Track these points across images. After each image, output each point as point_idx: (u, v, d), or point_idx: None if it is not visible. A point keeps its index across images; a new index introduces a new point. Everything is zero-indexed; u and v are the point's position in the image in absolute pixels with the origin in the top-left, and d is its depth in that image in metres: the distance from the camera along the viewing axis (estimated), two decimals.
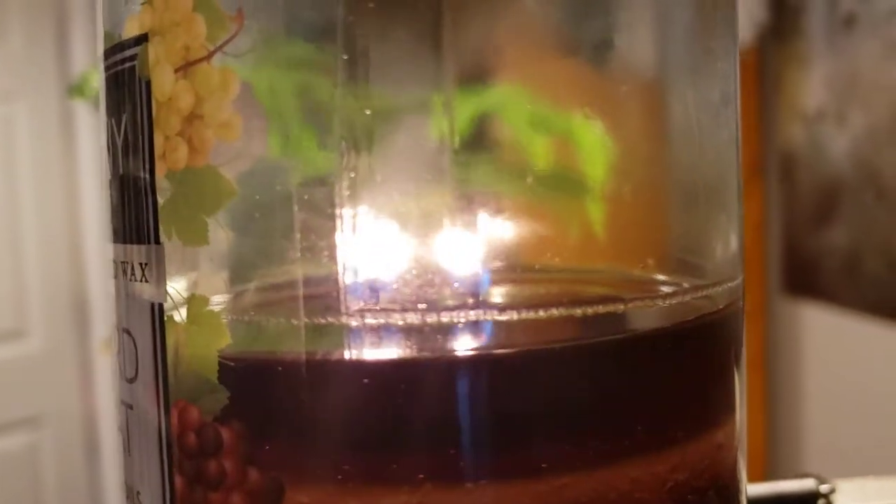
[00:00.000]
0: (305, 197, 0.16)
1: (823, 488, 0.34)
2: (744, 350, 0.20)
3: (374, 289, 0.16)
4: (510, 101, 0.18)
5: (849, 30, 1.12)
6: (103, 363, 1.70)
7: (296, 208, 0.15)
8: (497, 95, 0.18)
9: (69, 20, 1.66)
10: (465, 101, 0.17)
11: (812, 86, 1.19)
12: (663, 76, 0.20)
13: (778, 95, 1.24)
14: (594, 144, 0.18)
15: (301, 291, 0.16)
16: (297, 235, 0.15)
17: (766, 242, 1.26)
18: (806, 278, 1.21)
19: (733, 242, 0.20)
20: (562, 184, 0.18)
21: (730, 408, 0.19)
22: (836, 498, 0.34)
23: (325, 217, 0.16)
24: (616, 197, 0.19)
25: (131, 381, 0.18)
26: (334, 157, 0.15)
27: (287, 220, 0.16)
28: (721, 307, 0.18)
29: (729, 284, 0.19)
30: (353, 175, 0.15)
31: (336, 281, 0.16)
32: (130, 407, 0.18)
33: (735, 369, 0.19)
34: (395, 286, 0.16)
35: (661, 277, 0.20)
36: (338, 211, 0.16)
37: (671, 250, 0.20)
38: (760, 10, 1.22)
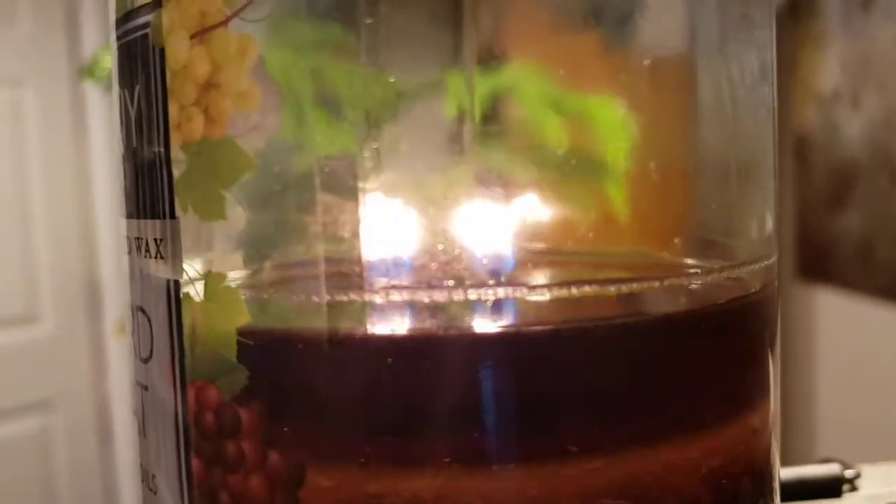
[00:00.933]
0: (326, 170, 0.15)
1: (848, 473, 0.33)
2: (778, 332, 0.19)
3: (397, 265, 0.15)
4: (533, 78, 0.17)
5: (865, 11, 1.11)
6: (115, 346, 1.70)
7: (317, 182, 0.15)
8: (519, 71, 0.17)
9: (79, 4, 1.65)
10: (487, 75, 0.16)
11: (827, 67, 1.17)
12: (693, 47, 0.19)
13: (793, 76, 1.23)
14: (619, 121, 0.18)
15: (322, 268, 0.15)
16: (318, 209, 0.15)
17: (780, 226, 1.25)
18: (819, 263, 1.20)
19: (769, 222, 0.19)
20: (586, 161, 0.18)
21: (764, 391, 0.18)
22: (861, 483, 0.34)
23: (346, 191, 0.15)
24: (645, 175, 0.18)
25: (146, 360, 0.17)
26: (356, 130, 0.15)
27: (308, 195, 0.15)
28: (757, 287, 0.18)
29: (765, 263, 0.18)
30: (375, 147, 0.15)
31: (358, 257, 0.15)
32: (145, 388, 0.17)
33: (770, 352, 0.18)
34: (419, 262, 0.15)
35: (692, 261, 0.19)
36: (360, 185, 0.15)
37: (703, 231, 0.20)
38: None
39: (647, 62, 0.18)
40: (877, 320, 1.08)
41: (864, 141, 1.11)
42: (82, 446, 1.73)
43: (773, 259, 0.19)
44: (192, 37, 0.15)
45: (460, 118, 0.16)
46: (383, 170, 0.15)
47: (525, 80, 0.17)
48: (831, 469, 0.33)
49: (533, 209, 0.17)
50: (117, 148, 0.18)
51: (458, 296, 0.15)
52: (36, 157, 1.63)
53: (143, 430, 0.18)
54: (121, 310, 1.68)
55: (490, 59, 0.16)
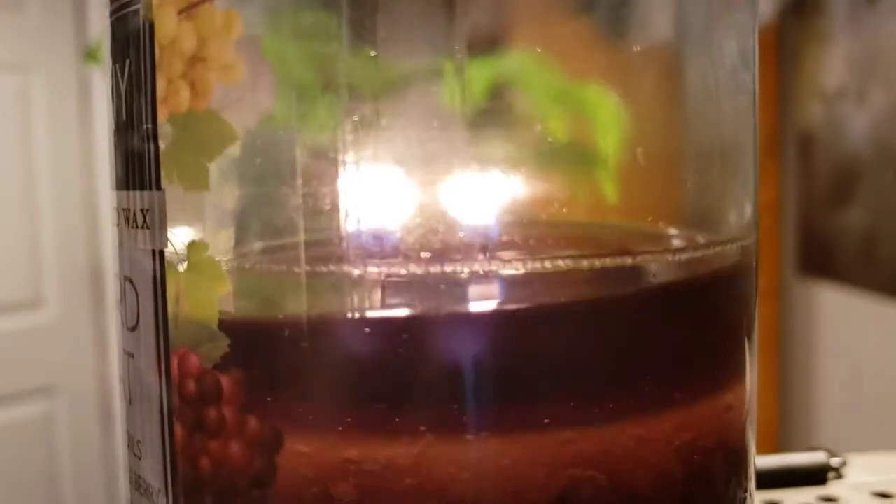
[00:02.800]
0: (308, 144, 0.15)
1: (834, 461, 0.34)
2: (755, 317, 0.19)
3: (376, 237, 0.16)
4: (521, 60, 0.17)
5: (871, 8, 1.10)
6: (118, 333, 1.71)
7: (298, 154, 0.15)
8: (509, 56, 0.17)
9: None
10: (475, 57, 0.17)
11: (832, 64, 1.17)
12: (680, 36, 0.20)
13: (797, 73, 1.23)
14: (606, 104, 0.18)
15: (302, 239, 0.15)
16: (299, 182, 0.15)
17: (782, 222, 1.25)
18: (821, 259, 1.20)
19: (748, 208, 0.19)
20: (573, 143, 0.18)
21: (739, 371, 0.18)
22: (846, 471, 0.34)
23: (327, 164, 0.15)
24: (628, 158, 0.18)
25: (133, 329, 0.18)
26: (338, 104, 0.15)
27: (289, 167, 0.16)
28: (731, 264, 0.18)
29: (741, 243, 0.18)
30: (356, 120, 0.15)
31: (338, 229, 0.15)
32: (132, 356, 0.18)
33: (745, 334, 0.19)
34: (398, 235, 0.16)
35: (671, 232, 0.19)
36: (340, 157, 0.15)
37: (684, 214, 0.20)
38: None
39: (636, 48, 0.19)
40: (879, 316, 1.08)
41: (868, 137, 1.11)
42: (85, 431, 1.74)
43: (751, 241, 0.19)
44: (179, 12, 0.16)
45: (447, 91, 0.16)
46: (365, 141, 0.15)
47: (515, 61, 0.17)
48: (817, 457, 0.33)
49: (517, 184, 0.17)
50: (109, 119, 0.19)
51: (435, 269, 0.15)
52: (42, 143, 1.64)
53: (129, 397, 0.18)
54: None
55: (480, 42, 0.17)
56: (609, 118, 0.18)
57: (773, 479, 0.32)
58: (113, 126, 0.18)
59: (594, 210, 0.18)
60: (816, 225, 1.21)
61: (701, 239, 0.19)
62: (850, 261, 1.14)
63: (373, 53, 0.15)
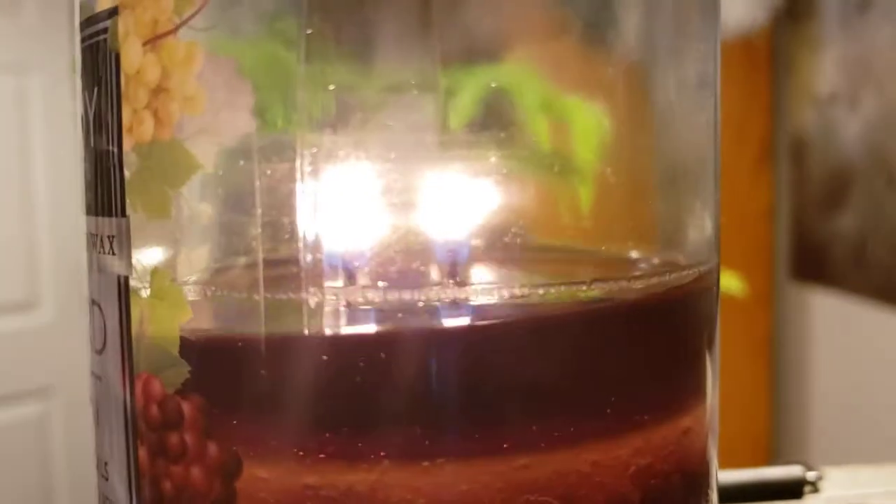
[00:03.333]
0: (268, 172, 0.16)
1: (810, 475, 0.34)
2: (717, 336, 0.20)
3: (335, 265, 0.16)
4: (500, 78, 0.18)
5: (863, 13, 1.11)
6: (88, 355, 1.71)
7: (257, 183, 0.15)
8: (485, 72, 0.17)
9: None
10: (452, 71, 0.17)
11: (825, 69, 1.17)
12: (646, 57, 0.20)
13: (790, 78, 1.23)
14: (580, 123, 0.18)
15: (261, 266, 0.16)
16: (259, 211, 0.15)
17: (775, 227, 1.25)
18: (814, 264, 1.20)
19: (708, 226, 0.20)
20: (537, 155, 0.18)
21: (698, 393, 0.19)
22: (823, 485, 0.34)
23: (286, 192, 0.16)
24: (597, 174, 0.19)
25: (100, 352, 0.18)
26: (297, 132, 0.15)
27: (249, 195, 0.16)
28: (690, 289, 0.18)
29: (700, 268, 0.19)
30: (315, 151, 0.15)
31: (296, 257, 0.16)
32: (99, 378, 0.18)
33: (706, 354, 0.19)
34: (355, 262, 0.16)
35: (634, 256, 0.20)
36: (299, 186, 0.15)
37: (647, 230, 0.20)
38: None
39: (609, 69, 0.19)
40: (871, 322, 1.08)
41: (860, 143, 1.12)
42: (80, 433, 1.74)
43: (710, 264, 0.19)
44: (144, 43, 0.16)
45: (415, 114, 0.16)
46: (324, 168, 0.16)
47: (493, 74, 0.17)
48: (793, 471, 0.34)
49: (477, 204, 0.17)
50: (78, 145, 0.19)
51: (391, 295, 0.16)
52: (39, 144, 1.64)
53: (97, 420, 0.18)
54: None
55: (452, 56, 0.17)
56: (587, 132, 0.18)
57: (749, 494, 0.32)
58: (82, 151, 0.18)
59: (560, 226, 0.18)
60: (809, 230, 1.21)
61: (660, 260, 0.19)
62: (842, 266, 1.15)
63: (331, 87, 0.15)
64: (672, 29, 0.20)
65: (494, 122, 0.18)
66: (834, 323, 1.17)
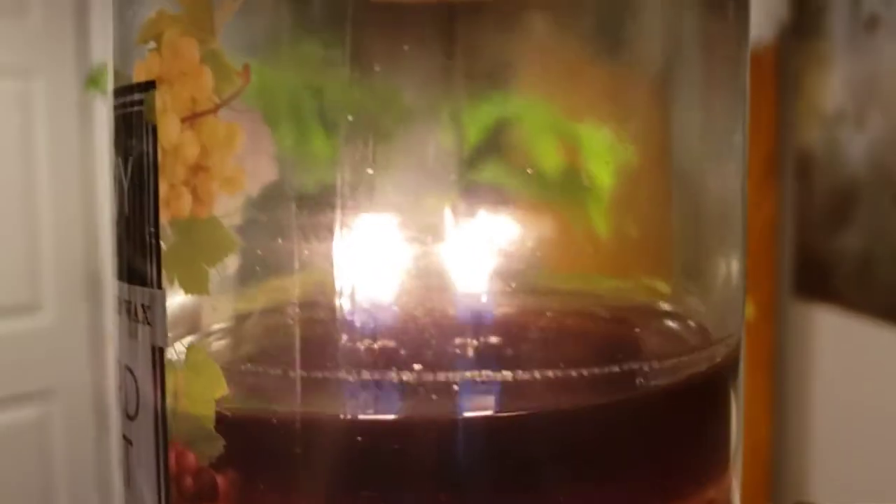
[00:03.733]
0: (306, 253, 0.16)
1: None
2: (741, 400, 0.20)
3: (371, 348, 0.16)
4: (521, 110, 0.18)
5: (871, 32, 1.11)
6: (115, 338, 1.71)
7: (296, 265, 0.16)
8: (507, 105, 0.18)
9: (88, 1, 1.66)
10: (476, 101, 0.17)
11: (832, 87, 1.18)
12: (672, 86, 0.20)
13: (797, 95, 1.23)
14: (603, 160, 0.19)
15: (298, 343, 0.16)
16: (297, 292, 0.16)
17: (779, 243, 1.25)
18: (818, 281, 1.20)
19: (737, 284, 0.20)
20: (572, 196, 0.18)
21: (724, 464, 0.19)
22: None
23: (324, 274, 0.16)
24: (621, 212, 0.19)
25: (132, 418, 0.18)
26: (336, 205, 0.16)
27: (287, 272, 0.16)
28: (718, 364, 0.18)
29: (727, 341, 0.19)
30: (350, 246, 0.16)
31: (333, 336, 0.16)
32: (130, 443, 0.18)
33: (733, 425, 0.19)
34: (393, 343, 0.16)
35: (662, 306, 0.20)
36: (337, 270, 0.16)
37: (675, 280, 0.20)
38: (782, 7, 1.21)
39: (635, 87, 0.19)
40: (875, 340, 1.08)
41: (866, 161, 1.12)
42: (80, 436, 1.74)
43: (739, 333, 0.19)
44: (182, 120, 0.16)
45: (445, 156, 0.17)
46: (360, 262, 0.16)
47: (515, 107, 0.18)
48: None
49: (519, 251, 0.17)
50: (112, 208, 0.19)
51: (427, 378, 0.16)
52: (43, 148, 1.64)
53: (127, 482, 0.19)
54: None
55: (479, 90, 0.17)
56: (609, 161, 0.18)
57: None
58: (115, 216, 0.19)
59: (595, 279, 0.19)
60: (814, 247, 1.21)
61: (695, 324, 0.19)
62: (846, 283, 1.15)
63: (371, 165, 0.15)
64: (701, 76, 0.20)
65: (521, 160, 0.18)
66: (837, 340, 1.17)
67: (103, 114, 1.67)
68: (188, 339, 0.17)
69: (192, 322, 0.17)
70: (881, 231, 1.09)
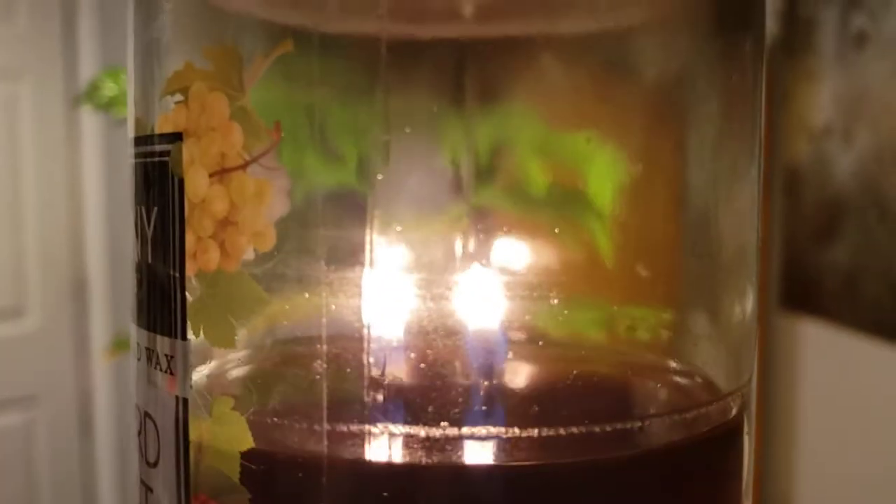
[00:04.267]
0: (333, 307, 0.16)
1: None
2: (752, 443, 0.20)
3: (397, 402, 0.16)
4: (534, 125, 0.18)
5: (859, 48, 1.12)
6: (100, 344, 1.70)
7: (324, 320, 0.16)
8: (519, 118, 0.18)
9: (76, 15, 1.65)
10: (488, 122, 0.17)
11: (820, 102, 1.19)
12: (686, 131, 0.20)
13: (785, 109, 1.24)
14: (616, 188, 0.19)
15: (325, 398, 0.16)
16: (324, 347, 0.16)
17: (767, 257, 1.26)
18: (805, 295, 1.21)
19: (751, 334, 0.20)
20: (584, 224, 0.19)
21: None
22: None
23: (351, 328, 0.16)
24: (638, 250, 0.19)
25: (152, 465, 0.18)
26: (359, 278, 0.16)
27: (315, 326, 0.16)
28: (733, 415, 0.19)
29: (742, 391, 0.19)
30: (379, 293, 0.16)
31: (360, 389, 0.16)
32: (151, 490, 0.18)
33: (744, 470, 0.19)
34: (418, 399, 0.16)
35: (674, 364, 0.20)
36: (364, 322, 0.16)
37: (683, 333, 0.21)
38: (772, 23, 1.22)
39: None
40: (861, 354, 1.09)
41: (854, 176, 1.13)
42: (64, 441, 1.73)
43: (749, 386, 0.20)
44: (211, 175, 0.16)
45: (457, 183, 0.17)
46: (390, 315, 0.16)
47: (529, 129, 0.18)
48: None
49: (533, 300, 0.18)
50: (134, 254, 0.19)
51: (452, 433, 0.16)
52: (29, 152, 1.63)
53: None
54: (111, 324, 1.68)
55: (494, 107, 0.17)
56: (622, 190, 0.19)
57: None
58: (136, 262, 0.19)
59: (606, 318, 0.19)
60: (801, 261, 1.22)
61: (701, 379, 0.19)
62: (833, 298, 1.16)
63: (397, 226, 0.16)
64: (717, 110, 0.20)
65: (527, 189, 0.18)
66: (823, 353, 1.18)
67: (91, 118, 1.66)
68: (211, 387, 0.17)
69: (215, 368, 0.17)
70: (867, 246, 1.10)
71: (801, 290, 1.22)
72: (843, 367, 1.13)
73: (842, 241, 1.14)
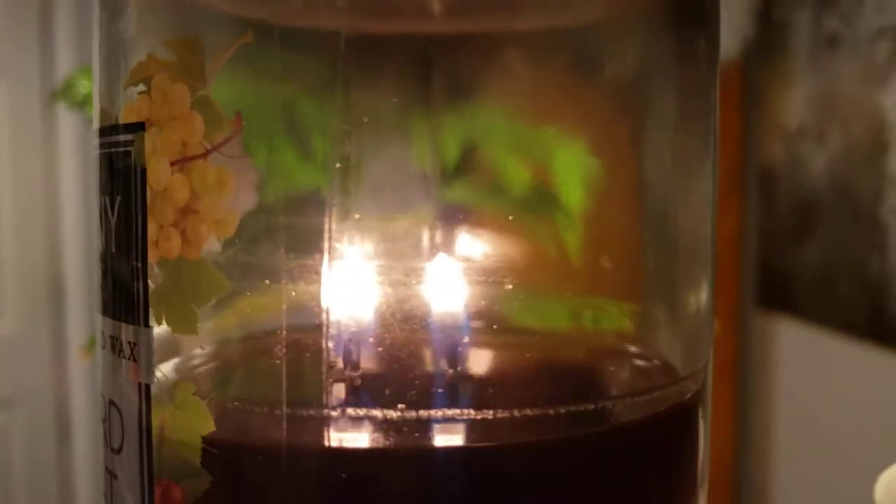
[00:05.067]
0: (293, 294, 0.16)
1: None
2: (708, 427, 0.21)
3: (355, 383, 0.16)
4: (500, 121, 0.19)
5: (832, 50, 1.14)
6: (77, 346, 1.69)
7: (284, 306, 0.16)
8: (486, 115, 0.18)
9: (53, 14, 1.64)
10: (455, 119, 0.18)
11: (794, 103, 1.20)
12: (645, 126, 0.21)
13: (760, 111, 1.25)
14: (578, 183, 0.19)
15: (284, 381, 0.16)
16: (284, 333, 0.16)
17: (743, 256, 1.27)
18: (779, 293, 1.23)
19: (707, 323, 0.21)
20: (547, 218, 0.19)
21: (692, 488, 0.20)
22: None
23: (311, 315, 0.16)
24: (598, 241, 0.20)
25: (116, 452, 0.18)
26: (319, 264, 0.16)
27: (275, 311, 0.16)
28: (689, 398, 0.19)
29: (697, 376, 0.20)
30: (337, 290, 0.16)
31: (319, 374, 0.16)
32: (115, 476, 0.18)
33: (700, 451, 0.20)
34: (377, 383, 0.17)
35: (634, 348, 0.21)
36: (323, 308, 0.16)
37: (641, 303, 0.21)
38: (747, 24, 1.23)
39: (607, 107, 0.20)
40: (833, 352, 1.10)
41: (827, 177, 1.14)
42: (41, 444, 1.71)
43: (705, 370, 0.20)
44: (172, 163, 0.16)
45: (424, 178, 0.17)
46: (347, 301, 0.16)
47: (492, 124, 0.18)
48: None
49: (496, 293, 0.18)
50: (98, 244, 0.19)
51: (410, 415, 0.16)
52: (5, 151, 1.62)
53: None
54: (88, 326, 1.67)
55: (458, 102, 0.18)
56: (583, 185, 0.19)
57: None
58: (100, 252, 0.19)
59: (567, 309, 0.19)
60: (776, 260, 1.24)
61: (659, 362, 0.20)
62: (806, 296, 1.17)
63: (356, 216, 0.16)
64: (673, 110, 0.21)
65: (492, 182, 0.19)
66: (797, 351, 1.19)
67: (67, 118, 1.65)
68: (173, 373, 0.17)
69: (176, 354, 0.17)
70: (840, 246, 1.11)
71: (775, 288, 1.23)
72: (817, 364, 1.14)
73: (815, 240, 1.16)
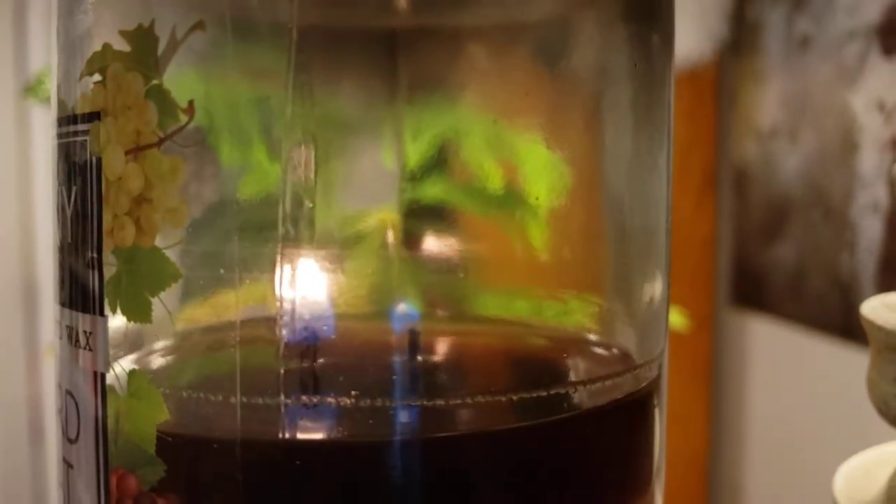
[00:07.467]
0: (246, 282, 0.16)
1: None
2: (664, 418, 0.21)
3: (310, 372, 0.17)
4: (466, 117, 0.19)
5: (803, 51, 1.15)
6: (50, 352, 1.67)
7: (236, 295, 0.16)
8: (452, 111, 0.18)
9: (26, 10, 1.63)
10: (419, 115, 0.18)
11: (767, 103, 1.21)
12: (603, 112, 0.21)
13: (734, 111, 1.27)
14: (541, 178, 0.19)
15: (238, 370, 0.16)
16: (237, 318, 0.16)
17: (717, 255, 1.28)
18: (753, 291, 1.24)
19: (661, 315, 0.21)
20: (511, 213, 0.19)
21: (647, 478, 0.20)
22: None
23: (264, 303, 0.16)
24: (561, 236, 0.20)
25: (73, 441, 0.18)
26: (274, 253, 0.16)
27: (228, 299, 0.16)
28: (643, 387, 0.19)
29: (651, 365, 0.20)
30: (291, 269, 0.16)
31: (273, 363, 0.16)
32: (71, 466, 0.18)
33: (655, 441, 0.20)
34: (331, 371, 0.17)
35: (591, 336, 0.21)
36: (276, 296, 0.16)
37: (601, 292, 0.21)
38: (721, 25, 1.24)
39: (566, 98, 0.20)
40: (806, 349, 1.12)
41: (799, 176, 1.15)
42: (14, 449, 1.70)
43: (660, 360, 0.20)
44: (126, 152, 0.17)
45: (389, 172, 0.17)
46: (302, 281, 0.16)
47: (456, 118, 0.18)
48: None
49: (453, 283, 0.18)
50: (54, 235, 0.19)
51: (365, 403, 0.16)
52: None
53: None
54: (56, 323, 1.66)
55: (422, 98, 0.18)
56: (546, 180, 0.19)
57: None
58: (58, 243, 0.19)
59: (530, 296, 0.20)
60: (749, 259, 1.25)
61: (618, 351, 0.20)
62: (780, 294, 1.18)
63: (309, 204, 0.16)
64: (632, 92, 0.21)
65: (462, 178, 0.19)
66: (771, 348, 1.20)
67: (41, 119, 1.63)
68: (128, 362, 0.17)
69: (132, 344, 0.17)
70: (813, 244, 1.12)
71: (749, 286, 1.25)
72: (790, 361, 1.15)
73: (788, 239, 1.17)
